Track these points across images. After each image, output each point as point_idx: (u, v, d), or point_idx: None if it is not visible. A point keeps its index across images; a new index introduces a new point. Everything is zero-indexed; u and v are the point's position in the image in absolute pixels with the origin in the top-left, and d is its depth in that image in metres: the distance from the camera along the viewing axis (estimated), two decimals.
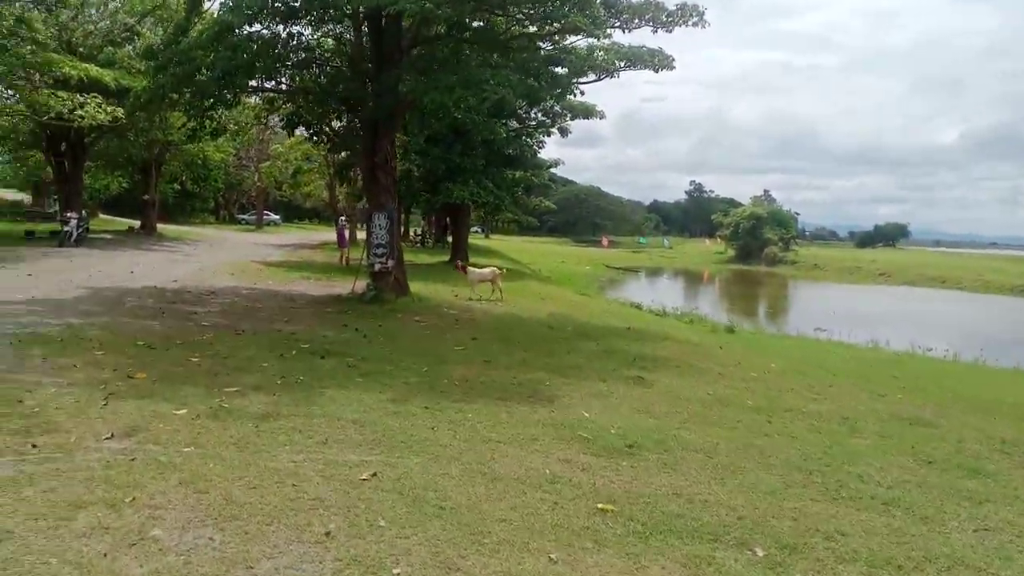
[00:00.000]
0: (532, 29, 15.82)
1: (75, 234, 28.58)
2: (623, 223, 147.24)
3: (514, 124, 32.89)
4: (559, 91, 14.63)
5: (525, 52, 16.05)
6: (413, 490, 5.39)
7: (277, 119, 22.81)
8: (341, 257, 27.62)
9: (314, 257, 34.23)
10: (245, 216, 75.13)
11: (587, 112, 32.83)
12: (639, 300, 31.58)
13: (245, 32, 15.42)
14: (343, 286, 19.93)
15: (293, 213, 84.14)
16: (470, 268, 19.67)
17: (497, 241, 79.13)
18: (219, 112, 17.85)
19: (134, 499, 4.90)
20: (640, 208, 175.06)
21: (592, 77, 15.40)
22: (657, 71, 14.93)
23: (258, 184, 61.63)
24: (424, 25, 16.06)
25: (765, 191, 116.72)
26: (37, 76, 25.71)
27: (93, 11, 32.82)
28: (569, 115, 33.14)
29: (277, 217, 77.07)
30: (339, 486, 5.39)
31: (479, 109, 18.19)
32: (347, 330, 12.95)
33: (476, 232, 78.48)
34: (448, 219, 63.46)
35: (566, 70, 14.98)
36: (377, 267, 16.91)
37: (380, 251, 16.90)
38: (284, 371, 9.23)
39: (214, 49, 14.74)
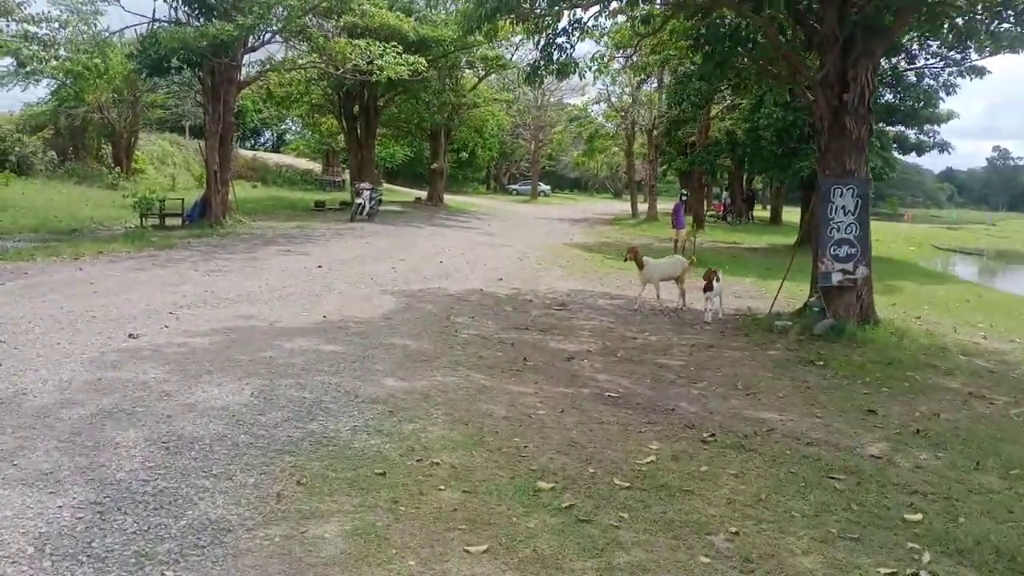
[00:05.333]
0: None
1: (368, 207, 24.95)
2: (915, 193, 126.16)
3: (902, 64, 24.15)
4: None
5: None
6: None
7: (624, 56, 16.52)
8: (677, 242, 21.12)
9: (622, 236, 28.26)
10: (516, 186, 71.95)
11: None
12: None
13: None
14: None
15: (555, 183, 79.49)
16: (647, 260, 12.06)
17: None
18: (574, 38, 11.94)
19: None
20: (929, 176, 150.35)
21: None
22: None
23: (548, 150, 57.26)
24: None
25: None
26: (330, 24, 21.86)
27: None
28: (989, 47, 23.67)
29: (547, 188, 72.82)
30: None
31: None
32: (895, 428, 6.36)
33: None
34: (761, 188, 54.28)
35: None
36: (837, 279, 10.09)
37: (845, 251, 10.07)
38: None
39: None
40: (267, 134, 71.97)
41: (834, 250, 10.11)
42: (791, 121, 22.23)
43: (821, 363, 8.60)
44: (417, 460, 4.85)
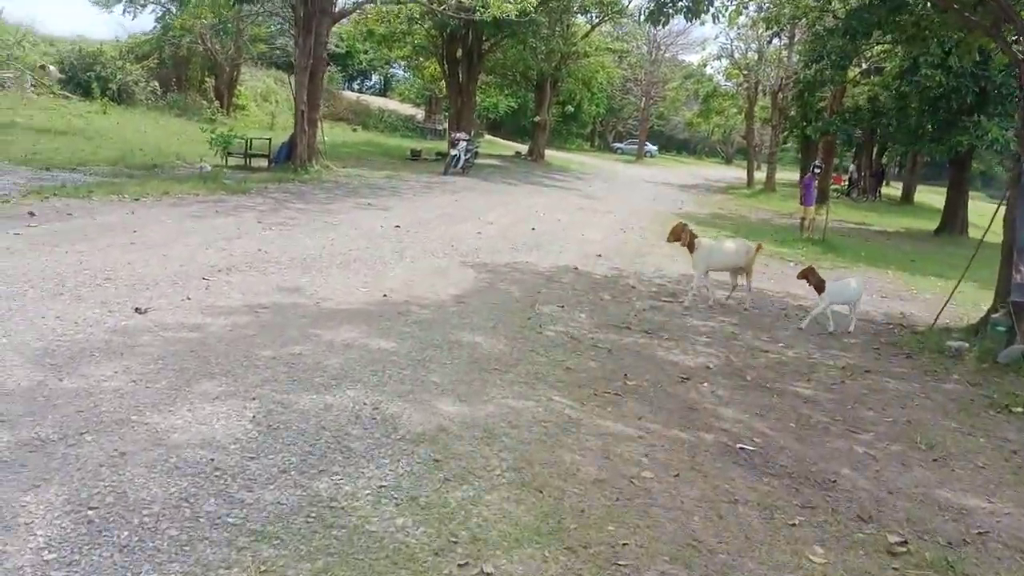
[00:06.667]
0: None
1: (463, 160, 23.35)
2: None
3: None
4: None
5: None
6: None
7: None
8: (804, 221, 18.54)
9: (737, 208, 25.76)
10: (621, 145, 68.62)
11: None
12: None
13: None
14: (889, 293, 11.30)
15: (662, 144, 74.99)
16: (700, 241, 9.17)
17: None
18: None
19: None
20: None
21: None
22: None
23: (660, 108, 54.10)
24: None
25: None
26: None
27: None
28: None
29: (654, 148, 69.06)
30: None
31: None
32: None
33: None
34: (890, 163, 48.49)
35: None
36: None
37: None
38: None
39: None
40: (374, 77, 71.27)
41: None
42: (952, 87, 19.12)
43: (1020, 410, 6.45)
44: (459, 566, 3.19)
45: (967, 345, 8.09)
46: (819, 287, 8.64)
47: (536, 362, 6.15)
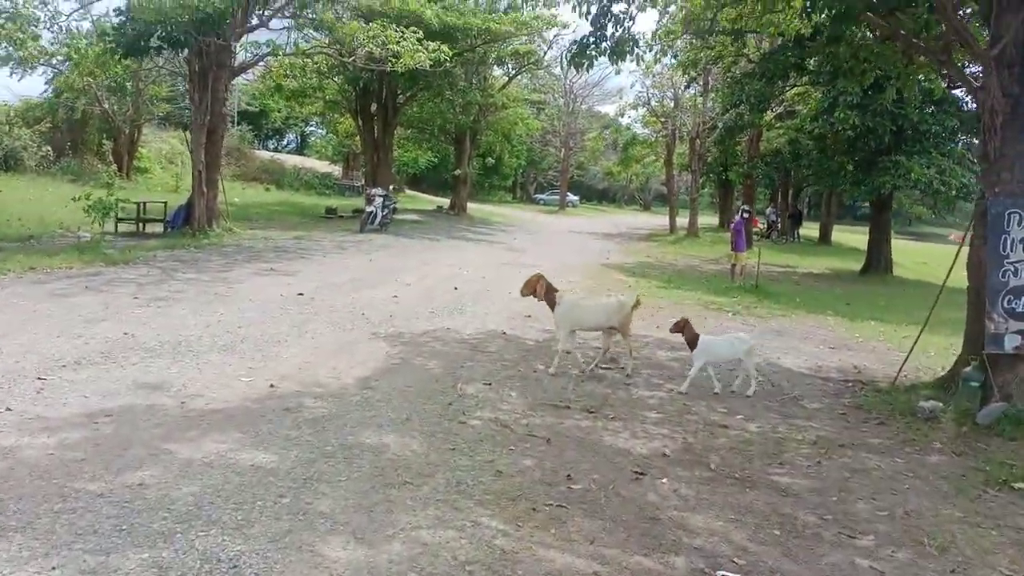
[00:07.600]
0: None
1: (379, 216, 22.16)
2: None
3: None
4: None
5: None
6: None
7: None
8: (735, 268, 17.96)
9: (663, 256, 25.25)
10: (543, 196, 68.59)
11: None
12: None
13: None
14: (840, 345, 10.63)
15: (582, 193, 75.18)
16: (562, 295, 8.01)
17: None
18: (633, 6, 9.13)
19: None
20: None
21: None
22: None
23: (580, 158, 54.21)
24: None
25: None
26: (342, 5, 19.15)
27: None
28: None
29: (576, 198, 69.17)
30: None
31: None
32: None
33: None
34: (812, 202, 49.95)
35: None
36: (1014, 344, 7.03)
37: None
38: None
39: None
40: (290, 135, 69.63)
41: (1009, 302, 7.06)
42: (868, 127, 19.08)
43: (1021, 485, 5.57)
44: None
45: (940, 405, 7.25)
46: (691, 343, 7.43)
47: (458, 467, 4.95)
